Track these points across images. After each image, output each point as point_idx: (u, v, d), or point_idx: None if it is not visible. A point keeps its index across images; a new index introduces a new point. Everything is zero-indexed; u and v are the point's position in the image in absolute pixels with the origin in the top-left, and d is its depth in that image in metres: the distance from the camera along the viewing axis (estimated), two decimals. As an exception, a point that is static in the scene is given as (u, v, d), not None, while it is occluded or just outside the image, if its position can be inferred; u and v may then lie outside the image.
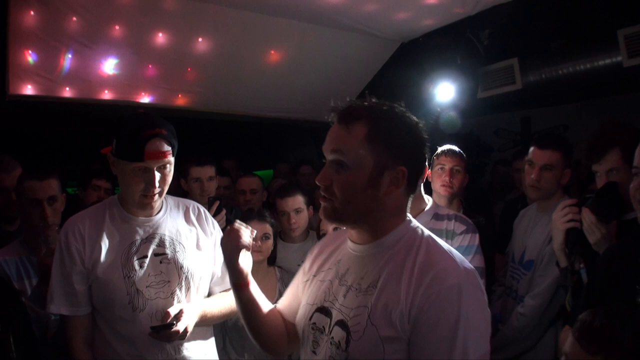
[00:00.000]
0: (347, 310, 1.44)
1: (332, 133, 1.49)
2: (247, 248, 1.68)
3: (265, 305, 1.72)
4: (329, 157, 1.47)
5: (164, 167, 2.04)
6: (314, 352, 1.51)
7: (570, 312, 2.24)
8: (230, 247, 1.67)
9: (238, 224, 1.72)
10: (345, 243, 1.61)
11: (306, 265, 1.74)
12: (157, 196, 2.06)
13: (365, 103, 1.48)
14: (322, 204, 1.50)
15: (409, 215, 1.54)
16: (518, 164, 3.97)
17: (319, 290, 1.58)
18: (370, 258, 1.49)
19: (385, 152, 1.41)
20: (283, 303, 1.79)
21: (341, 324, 1.44)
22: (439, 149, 3.30)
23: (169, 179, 2.09)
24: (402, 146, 1.44)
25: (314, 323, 1.53)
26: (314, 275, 1.65)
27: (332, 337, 1.45)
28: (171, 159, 2.06)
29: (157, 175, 2.01)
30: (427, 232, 1.51)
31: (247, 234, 1.70)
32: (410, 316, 1.33)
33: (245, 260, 1.69)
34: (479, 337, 1.32)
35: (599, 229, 2.10)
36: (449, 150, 3.26)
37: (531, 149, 2.86)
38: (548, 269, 2.67)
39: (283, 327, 1.74)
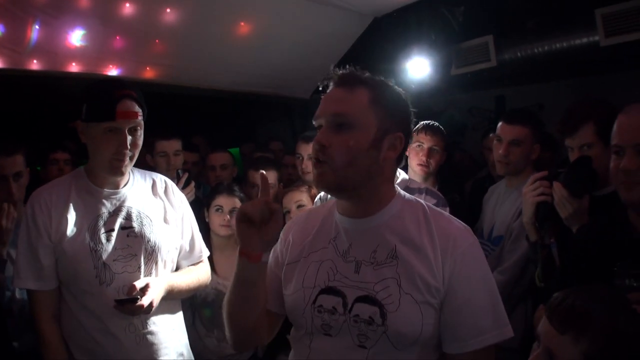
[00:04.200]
0: (368, 285, 1.43)
1: (332, 96, 1.49)
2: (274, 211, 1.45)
3: (263, 291, 1.58)
4: (329, 119, 1.45)
5: (135, 130, 2.02)
6: (328, 335, 1.46)
7: (542, 289, 2.27)
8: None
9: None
10: (332, 220, 1.58)
11: (282, 249, 1.65)
12: (127, 160, 2.03)
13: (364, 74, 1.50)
14: (317, 170, 1.45)
15: (396, 186, 1.59)
16: (486, 142, 3.98)
17: (317, 272, 1.51)
18: (376, 230, 1.49)
19: (388, 117, 1.46)
20: (269, 288, 1.66)
21: (367, 299, 1.42)
22: (419, 124, 3.26)
23: (139, 143, 2.07)
24: (400, 113, 1.50)
25: (320, 305, 1.47)
26: (304, 257, 1.56)
27: (357, 315, 1.42)
28: (141, 121, 2.05)
29: (129, 137, 1.99)
30: (420, 200, 1.57)
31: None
32: (445, 279, 1.41)
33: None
34: (490, 271, 1.50)
35: (571, 204, 2.09)
36: (429, 128, 3.24)
37: (499, 124, 2.86)
38: (517, 244, 2.68)
39: (265, 319, 1.63)
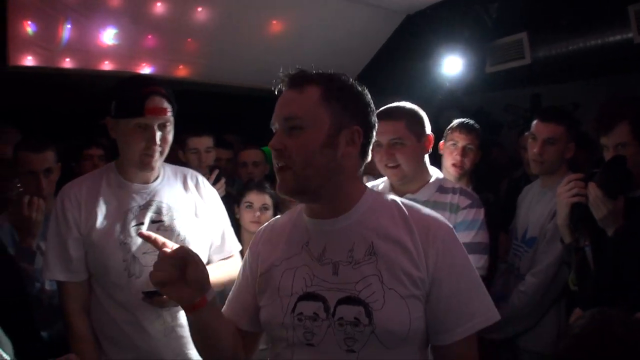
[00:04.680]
0: (349, 286, 1.38)
1: (283, 100, 1.45)
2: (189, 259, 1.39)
3: (225, 326, 1.52)
4: (281, 123, 1.43)
5: (164, 125, 2.03)
6: (311, 344, 1.39)
7: (577, 292, 2.22)
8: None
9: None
10: (302, 225, 1.53)
11: (252, 263, 1.59)
12: (157, 155, 2.04)
13: (314, 71, 1.47)
14: (280, 176, 1.43)
15: (367, 184, 1.57)
16: (522, 141, 3.89)
17: (293, 279, 1.44)
18: (350, 228, 1.45)
19: (341, 111, 1.42)
20: (235, 312, 1.59)
21: (349, 300, 1.37)
22: (454, 122, 3.21)
23: (169, 139, 2.08)
24: (356, 107, 1.46)
25: (300, 313, 1.40)
26: (276, 266, 1.49)
27: (341, 318, 1.36)
28: (171, 118, 2.06)
29: (158, 133, 2.01)
30: (392, 196, 1.56)
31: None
32: (429, 269, 1.38)
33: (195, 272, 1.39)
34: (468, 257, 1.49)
35: (605, 205, 2.04)
36: (464, 126, 3.18)
37: (534, 122, 2.79)
38: (551, 245, 2.60)
39: (241, 342, 1.56)
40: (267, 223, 1.69)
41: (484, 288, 1.46)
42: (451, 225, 1.49)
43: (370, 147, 1.51)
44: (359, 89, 1.48)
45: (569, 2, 4.23)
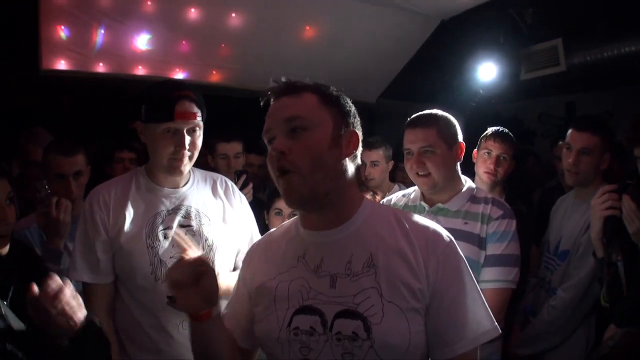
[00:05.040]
0: (347, 299, 1.34)
1: (280, 105, 1.41)
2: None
3: (225, 341, 1.50)
4: (282, 126, 1.38)
5: (194, 130, 2.04)
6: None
7: (608, 309, 2.15)
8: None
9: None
10: (298, 237, 1.48)
11: (247, 278, 1.56)
12: (186, 159, 2.05)
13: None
14: (285, 182, 1.36)
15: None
16: (556, 150, 3.83)
17: (288, 292, 1.40)
18: (349, 239, 1.41)
19: (339, 114, 1.42)
20: (229, 329, 1.55)
21: (347, 314, 1.33)
22: (488, 131, 3.15)
23: (199, 143, 2.08)
24: (349, 113, 1.46)
25: (296, 327, 1.36)
26: (271, 279, 1.45)
27: (339, 332, 1.32)
28: (200, 122, 2.06)
29: (187, 138, 2.01)
30: (388, 206, 1.55)
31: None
32: (429, 280, 1.35)
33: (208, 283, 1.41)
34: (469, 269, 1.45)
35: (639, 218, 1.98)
36: (498, 135, 3.11)
37: (569, 131, 2.73)
38: (583, 260, 2.54)
39: (239, 357, 1.54)
40: (261, 237, 1.67)
41: (484, 302, 1.42)
42: (452, 237, 1.45)
43: (359, 157, 1.50)
44: (346, 99, 1.48)
45: (605, 8, 4.16)
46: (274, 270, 1.47)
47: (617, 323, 1.94)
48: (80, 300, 1.56)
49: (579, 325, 2.61)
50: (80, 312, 1.53)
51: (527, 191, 4.25)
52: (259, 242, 1.65)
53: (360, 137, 1.48)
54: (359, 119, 1.49)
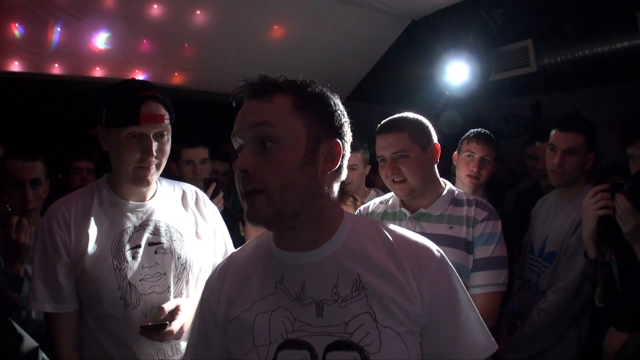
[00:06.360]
0: (338, 328, 1.20)
1: (248, 109, 1.26)
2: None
3: None
4: (250, 134, 1.23)
5: (161, 135, 1.87)
6: None
7: (603, 309, 2.15)
8: None
9: None
10: (271, 258, 1.33)
11: (214, 312, 1.37)
12: (154, 168, 1.87)
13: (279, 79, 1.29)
14: (249, 201, 1.23)
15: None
16: (530, 150, 3.81)
17: (269, 324, 1.24)
18: (332, 260, 1.27)
19: (318, 122, 1.25)
20: None
21: (340, 345, 1.19)
22: (469, 132, 3.12)
23: (167, 150, 1.91)
24: (331, 116, 1.29)
25: None
26: (246, 311, 1.28)
27: None
28: (168, 126, 1.89)
29: (155, 143, 1.84)
30: (369, 218, 1.43)
31: None
32: (424, 302, 1.24)
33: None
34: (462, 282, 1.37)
35: (634, 217, 1.97)
36: (481, 137, 3.09)
37: (553, 131, 2.71)
38: (572, 261, 2.50)
39: None
40: (223, 260, 1.48)
41: (480, 317, 1.34)
42: (441, 251, 1.34)
43: (346, 164, 1.34)
44: (332, 96, 1.32)
45: (575, 8, 4.23)
46: (247, 298, 1.30)
47: (617, 326, 1.93)
48: None
49: (570, 327, 2.59)
50: None
51: (497, 193, 4.24)
52: (223, 265, 1.45)
53: (347, 145, 1.32)
54: (347, 120, 1.33)
